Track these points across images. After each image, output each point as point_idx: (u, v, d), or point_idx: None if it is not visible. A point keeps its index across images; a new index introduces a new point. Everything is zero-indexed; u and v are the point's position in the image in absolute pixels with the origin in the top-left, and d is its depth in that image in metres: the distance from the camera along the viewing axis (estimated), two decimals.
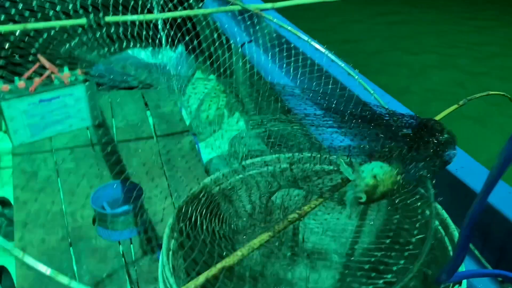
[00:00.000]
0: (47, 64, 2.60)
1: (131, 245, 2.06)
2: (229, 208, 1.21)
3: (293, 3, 2.11)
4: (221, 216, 1.13)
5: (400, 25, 6.35)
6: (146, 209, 2.19)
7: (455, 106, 1.34)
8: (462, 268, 0.93)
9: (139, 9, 1.98)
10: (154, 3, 2.11)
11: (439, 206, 1.10)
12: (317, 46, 1.67)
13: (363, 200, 1.00)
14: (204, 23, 2.42)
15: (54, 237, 2.08)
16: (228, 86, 2.81)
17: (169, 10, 2.11)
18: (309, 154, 1.30)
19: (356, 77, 1.59)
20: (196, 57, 2.66)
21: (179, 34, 2.18)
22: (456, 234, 1.03)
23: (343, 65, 1.62)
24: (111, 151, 2.62)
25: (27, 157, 2.57)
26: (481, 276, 1.13)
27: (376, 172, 1.01)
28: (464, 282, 0.92)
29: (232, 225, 1.15)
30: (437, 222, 1.08)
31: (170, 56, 3.03)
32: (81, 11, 1.92)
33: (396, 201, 1.10)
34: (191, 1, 2.25)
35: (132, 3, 1.96)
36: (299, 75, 2.06)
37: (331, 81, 1.84)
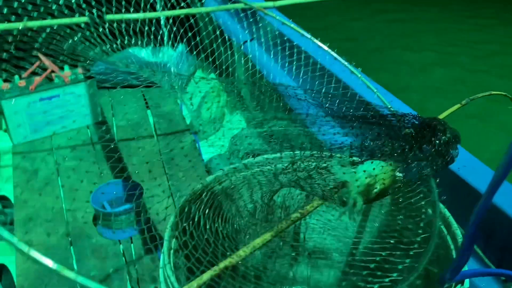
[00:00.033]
0: (47, 62, 2.59)
1: (132, 244, 2.06)
2: (231, 207, 1.20)
3: (294, 2, 2.11)
4: (223, 215, 1.13)
5: (400, 23, 6.36)
6: (147, 208, 2.18)
7: (458, 105, 1.34)
8: (465, 268, 0.93)
9: (142, 5, 1.97)
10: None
11: (441, 205, 1.09)
12: (320, 44, 1.67)
13: (360, 203, 1.00)
14: (205, 21, 2.42)
15: (55, 235, 2.08)
16: (229, 84, 2.81)
17: (172, 7, 2.11)
18: (311, 153, 1.29)
19: (359, 75, 1.58)
20: (197, 56, 2.66)
21: (181, 31, 2.17)
22: (458, 232, 1.02)
23: (346, 63, 1.61)
24: (112, 150, 2.61)
25: (27, 156, 2.56)
26: (484, 275, 1.12)
27: (371, 171, 1.00)
28: (467, 281, 0.92)
29: (235, 225, 1.14)
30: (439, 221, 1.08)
31: (171, 55, 3.03)
32: (84, 6, 1.92)
33: (400, 200, 1.09)
34: None
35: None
36: (301, 74, 2.06)
37: (333, 80, 1.83)
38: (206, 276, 0.82)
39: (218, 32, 2.42)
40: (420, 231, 1.00)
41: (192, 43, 2.39)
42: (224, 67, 2.57)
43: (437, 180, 1.02)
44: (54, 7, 1.93)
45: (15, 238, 0.74)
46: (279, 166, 1.31)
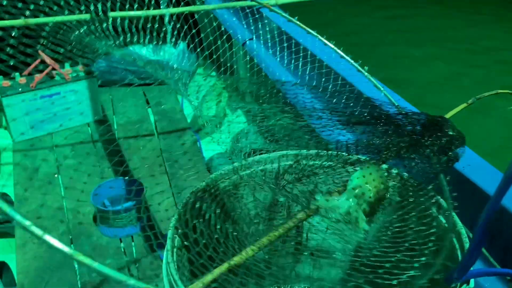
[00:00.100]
0: (48, 60, 2.58)
1: (133, 242, 2.05)
2: (234, 205, 1.20)
3: (296, 0, 2.11)
4: (226, 213, 1.12)
5: (400, 19, 6.37)
6: (147, 206, 2.18)
7: (464, 104, 1.33)
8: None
9: (146, 2, 1.97)
10: None
11: (444, 204, 1.09)
12: (326, 42, 1.66)
13: (361, 217, 1.00)
14: (206, 19, 2.41)
15: (55, 233, 2.07)
16: (230, 82, 2.80)
17: (178, 4, 2.10)
18: (315, 151, 1.29)
19: (366, 74, 1.57)
20: (198, 54, 2.65)
21: (185, 28, 2.17)
22: (463, 232, 1.02)
23: (351, 61, 1.61)
24: (112, 148, 2.61)
25: (28, 153, 2.56)
26: (490, 275, 1.12)
27: (359, 180, 1.01)
28: (472, 281, 0.92)
29: (238, 223, 1.14)
30: (443, 220, 1.07)
31: (172, 53, 3.02)
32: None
33: (406, 201, 1.08)
34: None
35: None
36: (306, 72, 2.05)
37: (339, 78, 1.82)
38: (211, 276, 0.82)
39: (219, 30, 2.42)
40: (430, 233, 0.99)
41: (194, 41, 2.39)
42: (225, 66, 2.56)
43: (447, 178, 1.01)
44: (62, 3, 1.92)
45: (27, 221, 0.72)
46: (283, 164, 1.30)
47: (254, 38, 2.62)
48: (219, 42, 2.36)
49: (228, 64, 2.54)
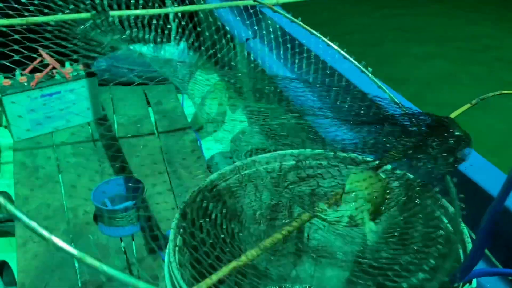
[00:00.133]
0: (49, 59, 2.58)
1: (133, 242, 2.05)
2: (236, 205, 1.20)
3: None
4: (228, 212, 1.12)
5: (400, 18, 6.39)
6: (148, 205, 2.18)
7: (468, 105, 1.33)
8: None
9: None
10: None
11: (447, 203, 1.09)
12: (329, 42, 1.65)
13: (367, 218, 1.00)
14: (207, 18, 2.41)
15: (56, 232, 2.04)
16: (230, 82, 2.80)
17: (182, 3, 2.10)
18: (317, 151, 1.29)
19: (370, 75, 1.57)
20: (199, 53, 2.65)
21: (186, 27, 2.17)
22: (465, 231, 1.02)
23: (355, 62, 1.60)
24: (113, 147, 2.61)
25: (28, 152, 2.55)
26: (493, 275, 1.12)
27: (348, 190, 1.01)
28: (474, 281, 0.92)
29: (240, 223, 1.14)
30: (445, 220, 1.07)
31: (173, 52, 3.02)
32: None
33: (412, 203, 1.08)
34: None
35: None
36: (312, 72, 2.03)
37: (344, 79, 1.81)
38: (215, 277, 0.82)
39: (220, 29, 2.41)
40: (438, 235, 0.99)
41: (194, 41, 2.38)
42: (226, 65, 2.56)
43: (454, 179, 1.01)
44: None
45: (33, 222, 0.71)
46: (284, 164, 1.30)
47: (255, 38, 2.62)
48: (221, 42, 2.36)
49: (227, 65, 2.53)
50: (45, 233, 0.70)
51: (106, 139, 2.67)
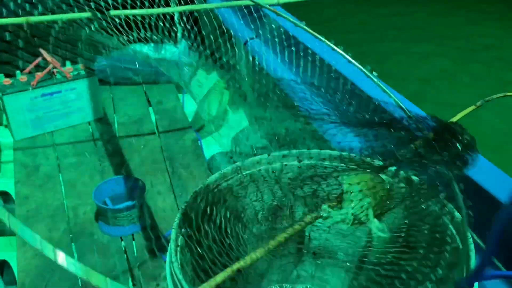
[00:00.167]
0: (49, 58, 2.58)
1: (133, 241, 2.05)
2: (237, 206, 1.20)
3: None
4: (230, 212, 1.12)
5: (400, 17, 6.39)
6: (148, 205, 2.18)
7: (472, 107, 1.32)
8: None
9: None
10: None
11: (450, 205, 1.08)
12: (334, 47, 1.64)
13: (371, 216, 1.00)
14: (208, 18, 2.41)
15: (56, 232, 2.07)
16: (231, 82, 2.80)
17: (179, 3, 2.10)
18: (319, 151, 1.29)
19: (375, 79, 1.56)
20: (199, 53, 2.65)
21: (192, 26, 2.16)
22: (467, 234, 1.01)
23: (360, 66, 1.59)
24: (113, 146, 2.61)
25: (28, 152, 2.55)
26: (497, 278, 1.11)
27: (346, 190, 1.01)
28: (476, 285, 0.91)
29: (242, 223, 1.13)
30: (452, 227, 1.06)
31: (173, 52, 3.02)
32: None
33: (417, 207, 1.08)
34: None
35: None
36: (317, 76, 2.02)
37: (349, 83, 1.80)
38: (218, 278, 0.81)
39: (221, 29, 2.41)
40: (444, 242, 0.98)
41: (195, 40, 2.38)
42: (227, 65, 2.55)
43: (461, 185, 1.00)
44: None
45: (42, 241, 0.69)
46: (286, 164, 1.30)
47: (257, 38, 2.61)
48: (222, 41, 2.36)
49: (230, 64, 2.53)
50: (52, 253, 0.68)
51: (106, 139, 2.67)
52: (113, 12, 2.00)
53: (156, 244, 1.99)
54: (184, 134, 2.74)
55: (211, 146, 2.75)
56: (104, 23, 1.96)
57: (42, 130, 2.68)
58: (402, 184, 1.09)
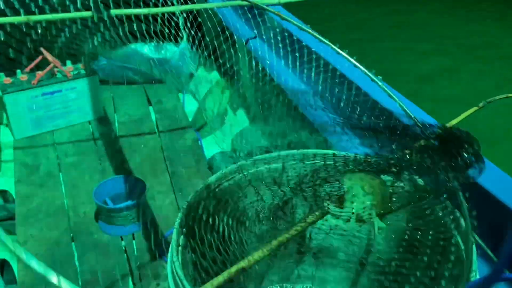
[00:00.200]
0: (50, 57, 2.58)
1: (134, 241, 2.05)
2: (239, 206, 1.19)
3: None
4: (231, 212, 1.12)
5: (399, 15, 6.40)
6: (149, 204, 2.18)
7: (475, 108, 1.33)
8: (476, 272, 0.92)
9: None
10: None
11: (456, 211, 1.07)
12: (338, 50, 1.63)
13: (375, 216, 1.00)
14: (208, 17, 2.41)
15: (56, 231, 2.07)
16: (231, 81, 2.80)
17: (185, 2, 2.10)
18: (319, 151, 1.28)
19: (380, 83, 1.55)
20: (200, 53, 2.65)
21: (192, 25, 2.16)
22: (470, 238, 1.00)
23: (365, 70, 1.58)
24: (113, 146, 2.60)
25: (28, 151, 2.55)
26: (503, 281, 1.11)
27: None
28: None
29: (246, 223, 1.13)
30: (458, 235, 1.05)
31: (174, 51, 3.02)
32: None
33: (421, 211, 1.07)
34: None
35: None
36: (320, 77, 2.00)
37: (353, 87, 1.78)
38: (220, 278, 0.81)
39: (221, 29, 2.41)
40: (449, 251, 0.98)
41: (196, 40, 2.38)
42: (227, 65, 2.55)
43: (467, 195, 0.99)
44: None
45: (47, 269, 0.68)
46: (287, 164, 1.30)
47: (257, 37, 2.61)
48: (222, 41, 2.35)
49: (228, 64, 2.53)
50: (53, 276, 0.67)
51: (106, 138, 2.67)
52: (114, 11, 2.00)
53: (156, 243, 1.99)
54: (184, 134, 2.74)
55: (212, 146, 2.75)
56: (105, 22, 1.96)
57: (42, 129, 2.68)
58: (404, 184, 1.09)
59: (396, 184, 1.08)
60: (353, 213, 1.01)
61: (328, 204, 1.02)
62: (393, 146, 1.10)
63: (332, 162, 1.18)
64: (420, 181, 1.08)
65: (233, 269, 0.84)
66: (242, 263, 0.86)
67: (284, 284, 1.46)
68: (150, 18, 2.00)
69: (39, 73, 2.58)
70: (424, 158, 1.02)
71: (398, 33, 5.88)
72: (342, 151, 1.25)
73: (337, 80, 1.89)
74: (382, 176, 1.09)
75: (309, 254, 1.42)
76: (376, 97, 1.71)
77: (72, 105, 2.72)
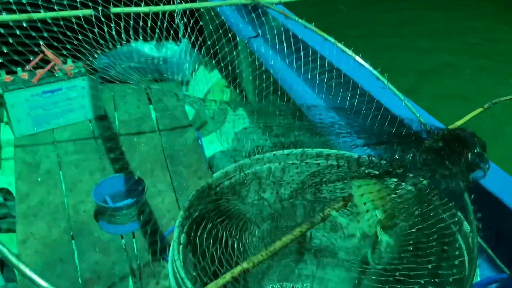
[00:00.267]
0: (50, 55, 2.57)
1: (134, 239, 2.05)
2: (240, 205, 1.19)
3: None
4: (232, 212, 1.12)
5: (399, 12, 6.40)
6: (149, 203, 2.18)
7: (480, 109, 1.32)
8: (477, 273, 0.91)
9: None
10: None
11: (460, 215, 1.07)
12: (343, 48, 1.63)
13: (380, 232, 0.99)
14: (209, 16, 2.41)
15: (56, 229, 2.07)
16: (232, 80, 2.80)
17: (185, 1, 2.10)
18: (320, 150, 1.28)
19: (387, 82, 1.54)
20: (200, 51, 2.64)
21: (189, 25, 2.16)
22: (475, 240, 1.00)
23: (371, 68, 1.57)
24: (114, 144, 2.60)
25: (29, 149, 2.55)
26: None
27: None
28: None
29: (246, 223, 1.13)
30: (461, 239, 1.05)
31: (174, 50, 3.02)
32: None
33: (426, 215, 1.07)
34: None
35: None
36: (325, 82, 1.99)
37: (358, 88, 1.77)
38: (224, 278, 0.81)
39: (222, 28, 2.41)
40: (453, 255, 0.97)
41: (196, 39, 2.38)
42: (229, 64, 2.55)
43: (472, 197, 0.98)
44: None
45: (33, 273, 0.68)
46: (288, 163, 1.30)
47: (258, 37, 2.61)
48: (223, 40, 2.35)
49: (229, 63, 2.52)
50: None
51: (107, 137, 2.67)
52: (114, 10, 2.00)
53: (156, 242, 1.99)
54: (184, 133, 2.74)
55: (212, 145, 2.75)
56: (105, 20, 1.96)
57: (42, 127, 2.67)
58: (410, 188, 1.08)
59: (400, 187, 1.08)
60: (362, 233, 1.00)
61: (336, 208, 1.01)
62: (398, 147, 1.09)
63: (335, 163, 1.18)
64: (424, 183, 1.07)
65: (237, 270, 0.84)
66: (246, 264, 0.86)
67: (284, 283, 1.46)
68: (151, 16, 1.99)
69: (40, 71, 2.58)
70: (428, 160, 1.01)
71: (397, 29, 5.88)
72: (343, 151, 1.25)
73: (342, 80, 1.88)
74: (387, 179, 1.08)
75: (310, 254, 1.43)
76: (380, 97, 1.70)
77: (73, 103, 2.72)
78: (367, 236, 1.00)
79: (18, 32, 1.85)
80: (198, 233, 1.05)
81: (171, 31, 2.19)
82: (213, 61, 2.51)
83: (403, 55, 5.18)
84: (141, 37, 2.07)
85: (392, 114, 1.46)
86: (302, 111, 1.43)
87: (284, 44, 2.15)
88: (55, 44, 2.17)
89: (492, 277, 1.02)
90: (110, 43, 2.16)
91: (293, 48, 2.14)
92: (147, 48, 3.04)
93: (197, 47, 2.53)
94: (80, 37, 2.08)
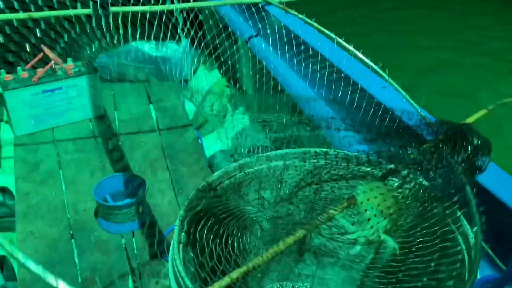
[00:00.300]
0: (51, 54, 2.58)
1: (133, 238, 2.05)
2: (240, 205, 1.19)
3: None
4: (232, 211, 1.12)
5: (398, 11, 6.40)
6: (149, 202, 2.18)
7: (484, 111, 1.31)
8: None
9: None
10: None
11: (464, 220, 1.07)
12: (345, 44, 1.62)
13: (384, 236, 0.99)
14: (209, 15, 2.41)
15: (56, 228, 2.07)
16: (232, 80, 2.79)
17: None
18: (320, 150, 1.28)
19: (387, 77, 1.54)
20: (201, 51, 2.64)
21: (189, 24, 2.16)
22: (470, 232, 1.00)
23: (372, 64, 1.57)
24: (114, 143, 2.60)
25: (29, 148, 2.55)
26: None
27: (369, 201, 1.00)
28: None
29: (247, 223, 1.13)
30: (461, 240, 1.05)
31: (175, 49, 3.01)
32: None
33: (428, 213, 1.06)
34: None
35: None
36: (326, 79, 1.99)
37: (358, 87, 1.77)
38: (226, 279, 0.81)
39: (222, 27, 2.41)
40: (455, 252, 0.97)
41: (196, 38, 2.38)
42: (228, 63, 2.55)
43: (474, 190, 0.97)
44: None
45: (45, 271, 0.67)
46: (288, 162, 1.30)
47: (258, 36, 2.61)
48: (224, 39, 2.35)
49: (229, 62, 2.52)
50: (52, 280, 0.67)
51: (107, 136, 2.67)
52: (113, 9, 2.00)
53: (156, 241, 1.99)
54: (184, 132, 2.74)
55: (212, 144, 2.75)
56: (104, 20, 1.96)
57: (43, 127, 2.67)
58: (409, 186, 1.08)
59: (403, 187, 1.07)
60: (365, 236, 1.00)
61: (339, 210, 1.01)
62: (400, 144, 1.09)
63: (334, 162, 1.18)
64: (425, 183, 1.07)
65: (240, 270, 0.84)
66: (248, 265, 0.86)
67: (284, 283, 1.46)
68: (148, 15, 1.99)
69: (40, 70, 2.58)
70: (429, 156, 1.01)
71: (396, 27, 5.88)
72: (342, 150, 1.25)
73: (342, 78, 1.88)
74: (390, 178, 1.08)
75: (310, 253, 1.42)
76: (380, 94, 1.70)
77: (73, 102, 2.72)
78: (371, 243, 1.00)
79: (18, 31, 1.86)
80: (199, 228, 1.05)
81: (169, 30, 2.19)
82: (213, 56, 2.50)
83: (403, 52, 5.19)
84: (142, 37, 2.07)
85: (392, 109, 1.46)
86: (301, 107, 1.43)
87: (285, 39, 2.14)
88: (55, 44, 2.18)
89: (490, 276, 1.02)
90: (110, 43, 2.16)
91: (293, 43, 2.14)
92: (147, 47, 3.04)
93: (196, 46, 2.52)
94: (80, 37, 2.09)
